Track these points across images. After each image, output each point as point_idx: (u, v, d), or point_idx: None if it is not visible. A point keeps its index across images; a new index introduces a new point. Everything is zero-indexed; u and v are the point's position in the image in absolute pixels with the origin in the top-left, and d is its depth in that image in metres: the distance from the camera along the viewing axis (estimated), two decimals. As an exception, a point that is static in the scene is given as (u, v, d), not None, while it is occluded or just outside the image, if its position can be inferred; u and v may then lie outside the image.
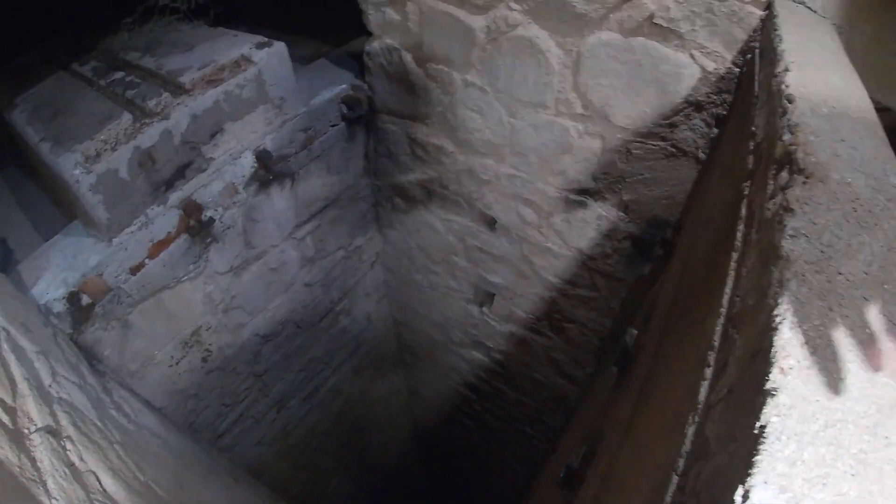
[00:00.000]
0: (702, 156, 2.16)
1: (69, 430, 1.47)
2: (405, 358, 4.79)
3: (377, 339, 4.38)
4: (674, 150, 2.21)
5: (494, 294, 3.42)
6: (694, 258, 1.55)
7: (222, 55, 2.40)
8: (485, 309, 3.60)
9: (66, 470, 1.34)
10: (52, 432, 1.40)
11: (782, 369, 0.65)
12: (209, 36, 2.56)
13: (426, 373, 4.76)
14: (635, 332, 1.96)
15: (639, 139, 2.24)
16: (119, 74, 2.41)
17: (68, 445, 1.43)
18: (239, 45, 2.46)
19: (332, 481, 4.85)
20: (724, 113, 2.01)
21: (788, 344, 0.68)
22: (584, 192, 2.51)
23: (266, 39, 2.50)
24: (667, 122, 2.14)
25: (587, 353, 3.24)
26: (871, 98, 1.38)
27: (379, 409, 4.95)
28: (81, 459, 1.45)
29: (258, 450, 3.70)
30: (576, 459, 1.83)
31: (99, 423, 1.70)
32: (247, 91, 2.42)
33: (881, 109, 1.83)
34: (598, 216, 2.54)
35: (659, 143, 2.21)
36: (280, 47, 2.49)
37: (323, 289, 3.50)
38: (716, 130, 2.06)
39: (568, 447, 2.48)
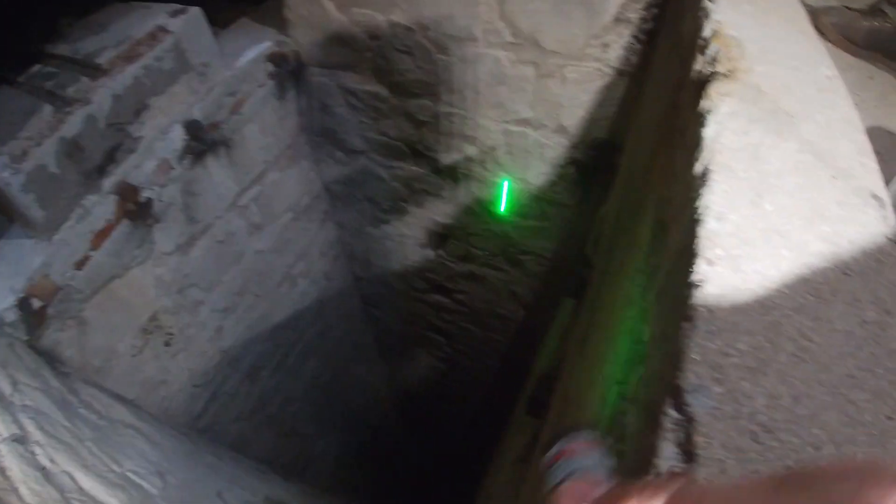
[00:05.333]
0: (637, 73, 2.16)
1: (36, 434, 1.47)
2: (370, 312, 4.79)
3: (339, 297, 4.35)
4: (608, 69, 2.20)
5: (448, 235, 3.41)
6: (633, 175, 1.55)
7: (137, 29, 2.32)
8: (440, 251, 3.61)
9: (38, 474, 1.35)
10: (19, 440, 1.40)
11: (709, 260, 0.64)
12: (122, 11, 2.45)
13: (393, 324, 4.77)
14: (587, 255, 1.97)
15: (572, 62, 2.22)
16: (36, 67, 2.31)
17: (37, 450, 1.43)
18: (153, 16, 2.37)
19: (318, 445, 4.87)
20: (655, 27, 2.00)
21: (715, 234, 0.67)
22: (523, 121, 2.48)
23: (180, 6, 2.41)
24: (599, 42, 2.12)
25: (546, 283, 3.28)
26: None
27: (351, 367, 4.96)
28: (52, 461, 1.45)
29: (238, 426, 3.68)
30: (540, 389, 1.86)
31: (67, 424, 1.69)
32: (166, 62, 2.34)
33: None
34: (541, 145, 2.53)
35: (593, 64, 2.20)
36: (195, 12, 2.40)
37: (276, 254, 3.44)
38: (649, 46, 2.05)
39: (534, 377, 2.52)
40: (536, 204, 2.81)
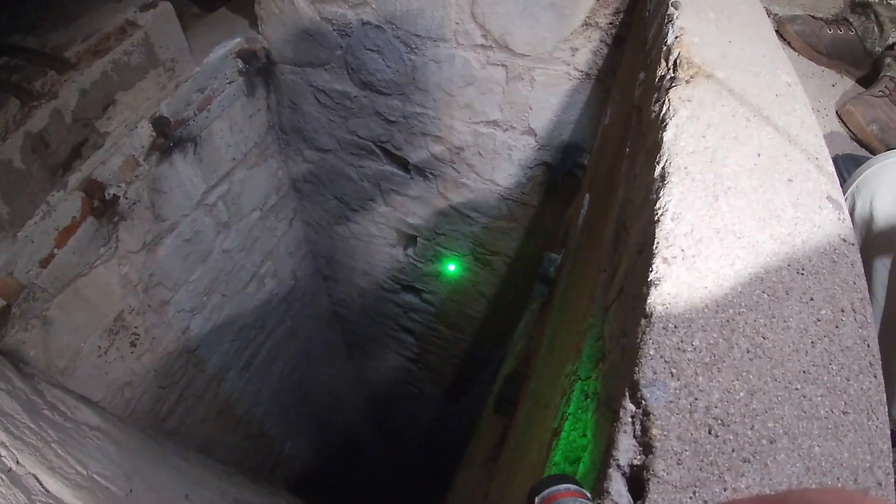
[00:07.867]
0: (605, 77, 2.18)
1: (1, 436, 1.45)
2: (338, 312, 4.76)
3: (307, 297, 4.32)
4: (577, 73, 2.21)
5: (417, 236, 3.41)
6: (599, 176, 1.57)
7: (106, 22, 2.27)
8: (409, 251, 3.60)
9: (3, 476, 1.33)
10: (-17, 442, 1.37)
11: (665, 259, 0.66)
12: (92, 5, 2.40)
13: (361, 324, 4.75)
14: (554, 256, 1.99)
15: (541, 66, 2.23)
16: (3, 60, 2.22)
17: (2, 451, 1.41)
18: (122, 9, 2.32)
19: (286, 446, 4.84)
20: (623, 33, 2.02)
21: (671, 234, 0.68)
22: (492, 123, 2.49)
23: (150, 0, 2.36)
24: (568, 46, 2.14)
25: (514, 283, 3.29)
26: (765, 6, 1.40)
27: (320, 367, 4.93)
28: (18, 463, 1.43)
29: (205, 427, 3.63)
30: (507, 388, 1.87)
31: (32, 426, 1.65)
32: (135, 57, 2.30)
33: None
34: (509, 146, 2.54)
35: (561, 67, 2.21)
36: (165, 6, 2.36)
37: (243, 253, 3.40)
38: (617, 51, 2.07)
39: (502, 376, 2.53)
40: (505, 205, 2.82)
